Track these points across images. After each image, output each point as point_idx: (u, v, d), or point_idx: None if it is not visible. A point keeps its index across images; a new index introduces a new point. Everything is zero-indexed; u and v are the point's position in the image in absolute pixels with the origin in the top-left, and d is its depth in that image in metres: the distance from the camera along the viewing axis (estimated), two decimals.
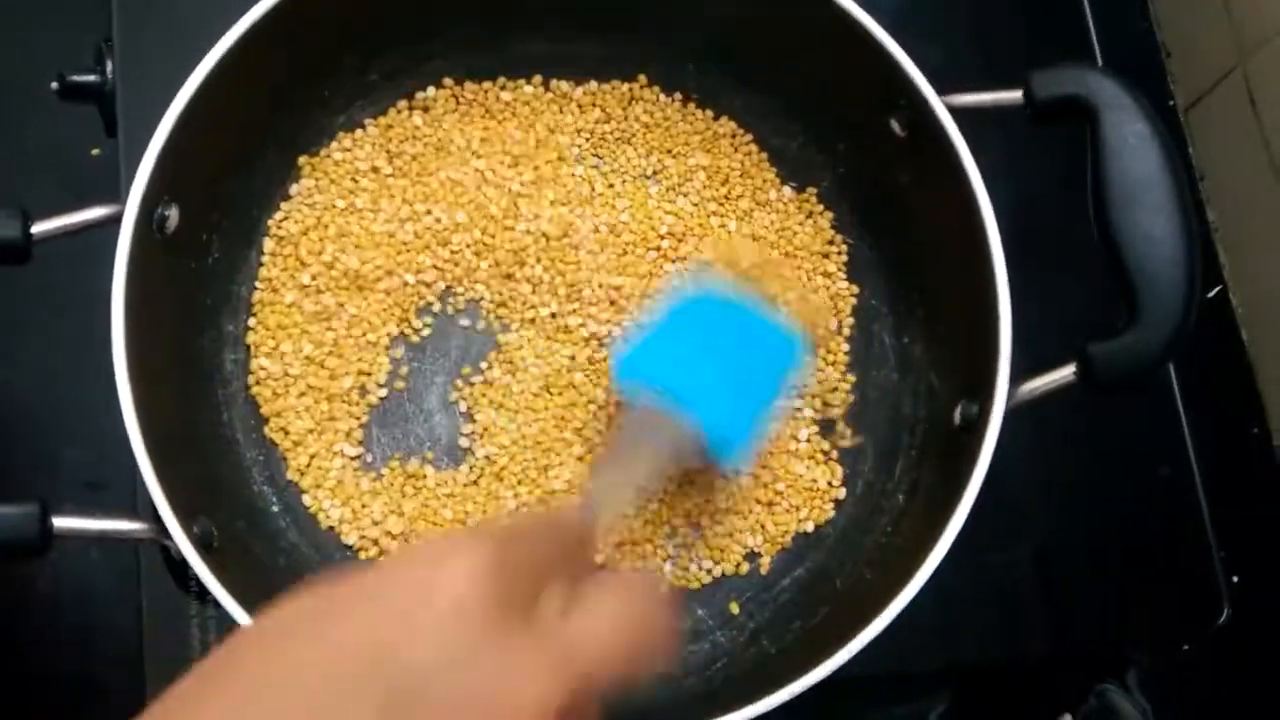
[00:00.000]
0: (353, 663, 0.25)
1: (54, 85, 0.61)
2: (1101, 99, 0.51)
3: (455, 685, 0.25)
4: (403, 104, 0.64)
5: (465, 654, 0.26)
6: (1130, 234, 0.50)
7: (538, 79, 0.65)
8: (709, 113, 0.65)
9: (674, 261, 0.63)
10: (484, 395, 0.60)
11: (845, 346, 0.62)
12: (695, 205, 0.64)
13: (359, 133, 0.63)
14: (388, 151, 0.63)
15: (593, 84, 0.65)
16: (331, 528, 0.58)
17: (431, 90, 0.64)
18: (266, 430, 0.59)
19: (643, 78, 0.65)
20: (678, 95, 0.65)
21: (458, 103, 0.64)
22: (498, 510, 0.58)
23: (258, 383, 0.59)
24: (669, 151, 0.64)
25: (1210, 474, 0.65)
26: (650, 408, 0.50)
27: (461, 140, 0.63)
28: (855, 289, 0.63)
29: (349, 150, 0.63)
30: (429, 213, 0.62)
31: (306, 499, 0.58)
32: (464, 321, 0.61)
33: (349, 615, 0.27)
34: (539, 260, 0.62)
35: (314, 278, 0.61)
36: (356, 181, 0.62)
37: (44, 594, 0.60)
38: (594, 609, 0.29)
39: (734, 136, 0.65)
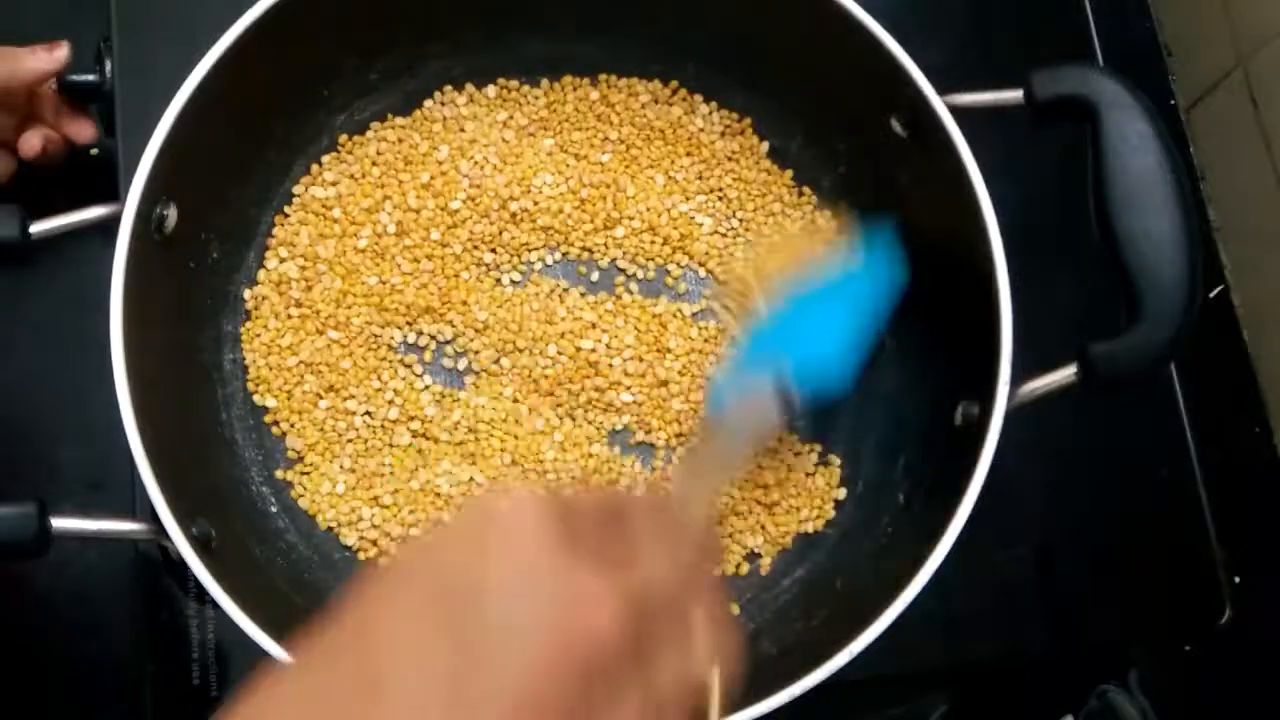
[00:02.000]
0: (417, 592, 0.27)
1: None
2: (1103, 99, 0.51)
3: (531, 607, 0.27)
4: (402, 104, 0.64)
5: (537, 580, 0.27)
6: (1131, 234, 0.50)
7: (539, 79, 0.65)
8: (711, 112, 0.65)
9: (674, 259, 0.63)
10: (485, 397, 0.60)
11: None
12: (696, 207, 0.64)
13: (359, 135, 0.63)
14: (385, 153, 0.63)
15: (590, 83, 0.65)
16: (330, 528, 0.58)
17: (432, 90, 0.64)
18: (265, 431, 0.59)
19: (642, 80, 0.65)
20: (679, 94, 0.65)
21: (458, 103, 0.64)
22: None
23: (256, 384, 0.59)
24: (670, 150, 0.64)
25: (1211, 474, 0.65)
26: (740, 399, 0.50)
27: (461, 140, 0.63)
28: None
29: (350, 150, 0.63)
30: (428, 212, 0.62)
31: (305, 500, 0.58)
32: (462, 322, 0.61)
33: (431, 561, 0.29)
34: (541, 260, 0.62)
35: (313, 279, 0.61)
36: (357, 181, 0.62)
37: (43, 594, 0.59)
38: (648, 548, 0.31)
39: (736, 136, 0.65)
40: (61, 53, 0.58)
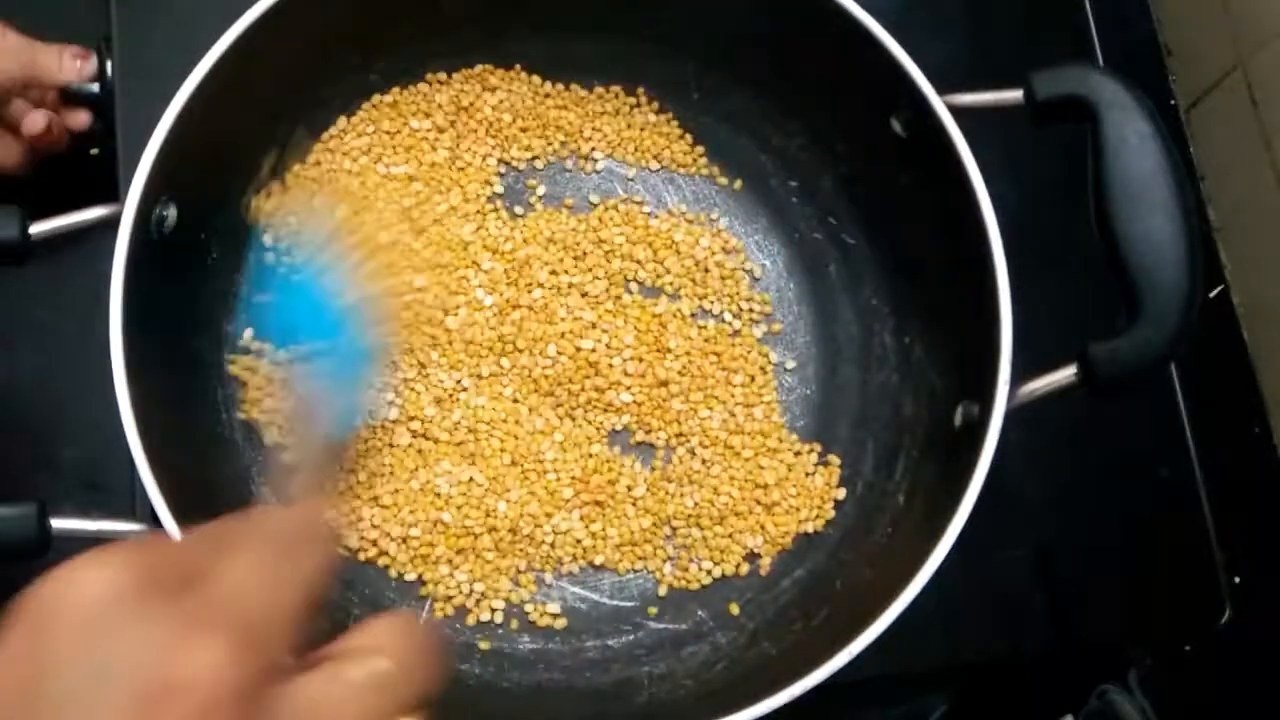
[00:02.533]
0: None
1: None
2: (1102, 99, 0.51)
3: (103, 681, 0.24)
4: (395, 99, 0.63)
5: (105, 648, 0.24)
6: (1131, 234, 0.50)
7: (533, 77, 0.65)
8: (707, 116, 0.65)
9: (664, 261, 0.63)
10: (485, 397, 0.60)
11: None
12: (691, 207, 0.64)
13: (350, 136, 0.63)
14: (380, 146, 0.63)
15: (592, 83, 0.65)
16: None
17: (423, 86, 0.64)
18: (263, 432, 0.59)
19: (642, 90, 0.65)
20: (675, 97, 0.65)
21: (455, 105, 0.64)
22: (496, 512, 0.58)
23: (250, 392, 0.59)
24: (664, 151, 0.64)
25: (1211, 474, 0.65)
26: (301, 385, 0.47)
27: (453, 136, 0.63)
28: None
29: (344, 144, 0.63)
30: (423, 209, 0.62)
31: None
32: (457, 323, 0.61)
33: None
34: (543, 265, 0.62)
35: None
36: (353, 177, 0.62)
37: None
38: (236, 563, 0.28)
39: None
40: (90, 67, 0.60)
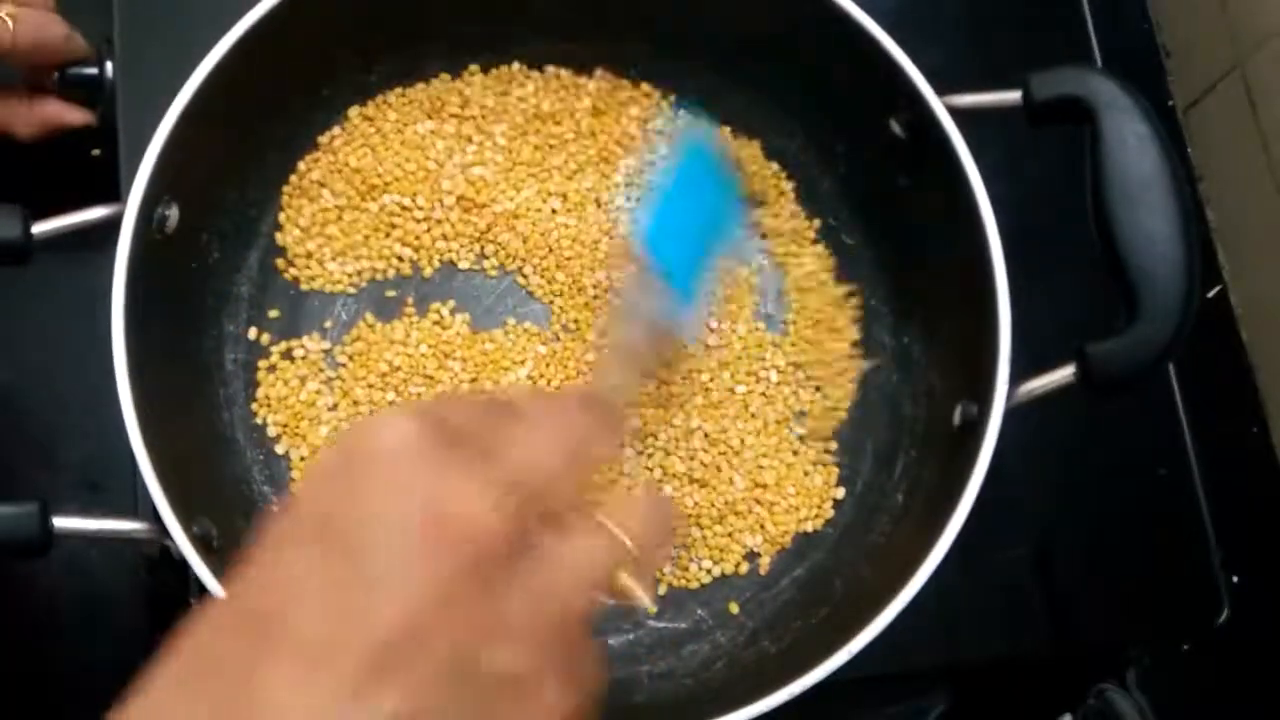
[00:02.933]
0: (302, 533, 0.28)
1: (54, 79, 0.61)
2: (1101, 100, 0.51)
3: (403, 516, 0.27)
4: (394, 99, 0.64)
5: (406, 488, 0.28)
6: (1129, 234, 0.50)
7: (533, 74, 0.65)
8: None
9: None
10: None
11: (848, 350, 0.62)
12: None
13: (349, 128, 0.63)
14: (376, 146, 0.63)
15: (592, 83, 0.65)
16: None
17: (422, 85, 0.64)
18: (267, 431, 0.59)
19: (645, 84, 0.65)
20: (673, 97, 0.65)
21: (459, 103, 0.64)
22: None
23: (263, 396, 0.60)
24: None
25: (1210, 473, 0.65)
26: (645, 278, 0.50)
27: (450, 139, 0.64)
28: (856, 292, 0.63)
29: (342, 145, 0.63)
30: (419, 209, 0.62)
31: None
32: (458, 324, 0.62)
33: (311, 495, 0.29)
34: (536, 268, 0.62)
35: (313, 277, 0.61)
36: (349, 181, 0.63)
37: (45, 594, 0.60)
38: (531, 434, 0.31)
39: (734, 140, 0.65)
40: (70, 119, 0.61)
